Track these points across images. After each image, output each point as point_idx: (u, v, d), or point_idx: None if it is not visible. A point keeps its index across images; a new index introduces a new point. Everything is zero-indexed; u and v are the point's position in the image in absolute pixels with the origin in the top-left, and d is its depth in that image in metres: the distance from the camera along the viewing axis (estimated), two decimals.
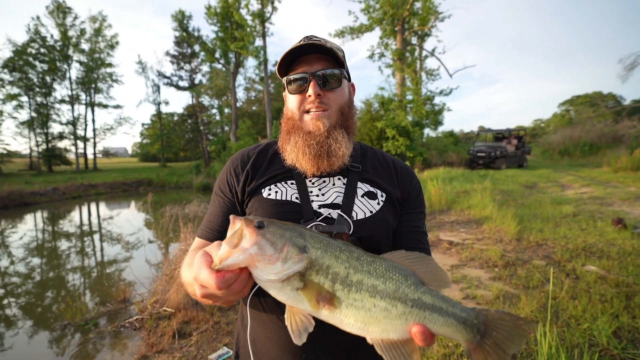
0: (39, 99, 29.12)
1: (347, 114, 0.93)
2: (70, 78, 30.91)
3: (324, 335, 0.84)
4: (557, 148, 22.85)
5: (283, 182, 0.91)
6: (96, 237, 9.49)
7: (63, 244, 8.68)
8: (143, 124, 45.07)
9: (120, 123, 35.50)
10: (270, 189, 0.89)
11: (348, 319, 0.55)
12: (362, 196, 0.88)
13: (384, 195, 0.92)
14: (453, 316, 0.56)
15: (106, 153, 42.75)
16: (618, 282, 3.65)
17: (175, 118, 39.88)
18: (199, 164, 25.98)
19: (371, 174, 0.95)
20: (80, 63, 31.43)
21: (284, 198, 0.87)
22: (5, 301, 4.81)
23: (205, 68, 35.62)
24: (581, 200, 8.27)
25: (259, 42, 22.55)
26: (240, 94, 39.21)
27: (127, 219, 12.02)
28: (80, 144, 32.13)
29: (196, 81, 35.76)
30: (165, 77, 35.41)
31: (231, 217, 0.56)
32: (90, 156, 34.18)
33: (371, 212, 0.87)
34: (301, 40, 0.90)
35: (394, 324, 0.55)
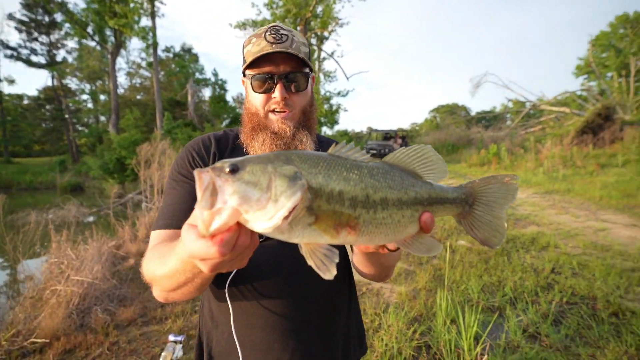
0: None
1: (309, 114, 0.95)
2: None
3: (305, 311, 0.88)
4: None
5: None
6: None
7: None
8: None
9: None
10: None
11: (378, 236, 0.53)
12: None
13: None
14: (448, 201, 0.62)
15: None
16: (479, 252, 4.63)
17: (26, 102, 31.63)
18: (64, 159, 21.37)
19: None
20: None
21: None
22: None
23: (71, 44, 29.41)
24: None
25: (146, 22, 19.80)
26: (122, 79, 33.64)
27: None
28: None
29: (58, 58, 29.13)
30: (9, 47, 27.67)
31: (195, 172, 0.44)
32: None
33: None
34: (267, 31, 0.88)
35: (415, 222, 0.58)
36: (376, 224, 0.52)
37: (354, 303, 1.05)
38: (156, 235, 0.83)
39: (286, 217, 0.44)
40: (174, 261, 0.61)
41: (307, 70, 0.92)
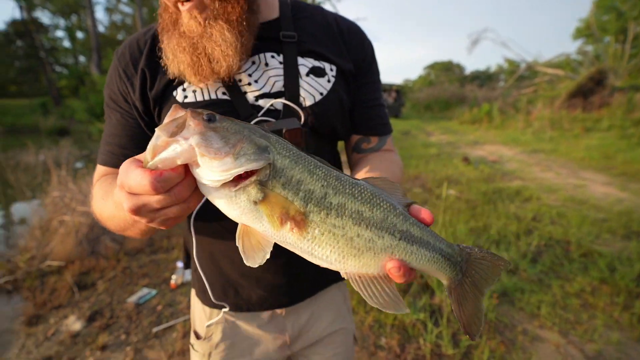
0: None
1: None
2: None
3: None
4: (423, 103, 27.11)
5: None
6: None
7: None
8: None
9: None
10: (185, 89, 0.69)
11: (322, 249, 0.46)
12: (307, 74, 0.71)
13: (334, 68, 0.74)
14: (439, 252, 0.50)
15: None
16: (467, 200, 4.90)
17: None
18: (46, 101, 20.24)
19: (312, 43, 0.74)
20: None
21: (207, 97, 0.68)
22: None
23: None
24: (441, 144, 10.32)
25: None
26: (100, 14, 30.75)
27: None
28: None
29: None
30: None
31: (174, 106, 0.42)
32: None
33: (321, 93, 0.71)
34: None
35: (377, 258, 0.47)
36: (324, 229, 0.46)
37: None
38: (98, 170, 0.76)
39: (235, 182, 0.43)
40: (110, 204, 0.59)
41: None
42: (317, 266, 0.49)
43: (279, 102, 0.68)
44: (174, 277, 2.69)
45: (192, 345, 0.87)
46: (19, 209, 5.24)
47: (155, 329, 2.20)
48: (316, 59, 0.72)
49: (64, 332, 2.21)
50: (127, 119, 0.73)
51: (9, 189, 5.78)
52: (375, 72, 0.84)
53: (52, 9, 28.00)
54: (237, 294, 0.80)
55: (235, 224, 0.47)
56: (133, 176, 0.40)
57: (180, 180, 0.41)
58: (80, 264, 2.90)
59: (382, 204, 0.48)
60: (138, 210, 0.43)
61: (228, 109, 0.67)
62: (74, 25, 29.24)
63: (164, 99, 0.70)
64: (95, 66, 18.71)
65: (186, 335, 2.15)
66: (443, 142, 11.04)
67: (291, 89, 0.68)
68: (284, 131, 0.63)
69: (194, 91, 0.69)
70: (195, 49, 0.64)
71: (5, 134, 15.45)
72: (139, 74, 0.71)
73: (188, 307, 2.41)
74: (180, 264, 2.89)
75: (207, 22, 0.64)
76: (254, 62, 0.70)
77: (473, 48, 24.18)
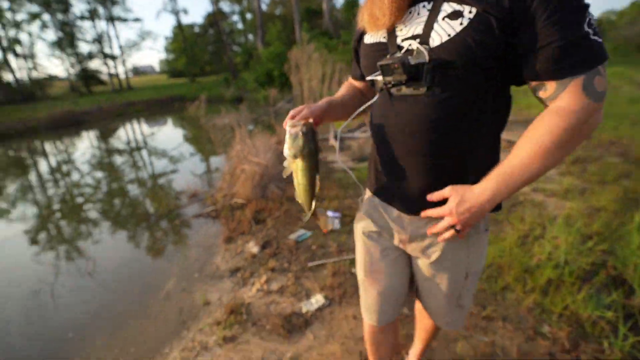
0: (60, 17, 28.29)
1: None
2: None
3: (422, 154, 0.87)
4: (633, 42, 19.42)
5: None
6: (144, 151, 10.08)
7: (117, 159, 9.35)
8: (166, 38, 43.28)
9: (143, 37, 34.33)
10: (369, 35, 0.92)
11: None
12: (443, 18, 0.75)
13: (473, 11, 0.72)
14: None
15: (136, 72, 42.64)
16: None
17: (197, 30, 37.58)
18: (227, 76, 25.35)
19: None
20: None
21: (375, 40, 0.89)
22: (86, 207, 5.40)
23: None
24: None
25: None
26: None
27: (169, 133, 12.50)
28: (111, 63, 32.03)
29: None
30: None
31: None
32: (122, 76, 34.40)
33: (449, 35, 0.74)
34: None
35: None
36: None
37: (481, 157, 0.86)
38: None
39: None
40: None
41: None
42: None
43: (415, 43, 0.80)
44: (327, 220, 3.02)
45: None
46: (216, 160, 6.95)
47: (310, 264, 2.56)
48: (459, 2, 0.74)
49: (247, 252, 2.87)
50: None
51: (209, 144, 7.78)
52: (554, 3, 0.67)
53: None
54: (379, 183, 1.04)
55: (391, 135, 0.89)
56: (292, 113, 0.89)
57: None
58: (256, 203, 3.63)
59: None
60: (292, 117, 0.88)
61: (383, 48, 0.87)
62: (245, 9, 34.53)
63: (361, 40, 0.99)
64: (260, 40, 21.85)
65: (335, 274, 2.41)
66: None
67: (425, 32, 0.78)
68: (406, 63, 0.78)
69: (371, 36, 0.91)
70: (372, 10, 0.84)
71: (206, 103, 20.50)
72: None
73: (337, 250, 2.69)
74: (330, 214, 3.22)
75: None
76: (410, 12, 0.83)
77: None
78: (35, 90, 26.94)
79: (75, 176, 7.55)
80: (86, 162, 8.87)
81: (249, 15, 34.41)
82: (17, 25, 26.30)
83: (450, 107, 0.78)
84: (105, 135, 13.62)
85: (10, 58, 27.73)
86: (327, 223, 3.08)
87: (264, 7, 31.06)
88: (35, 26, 27.09)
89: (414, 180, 0.89)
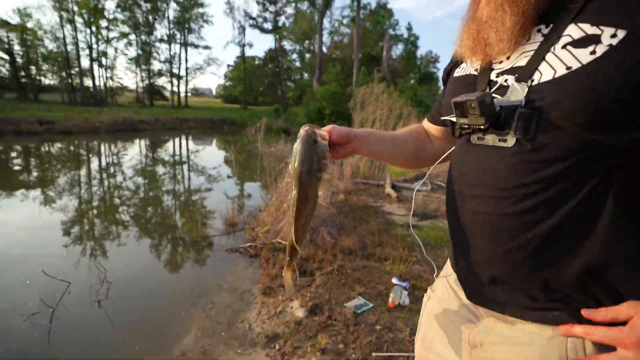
0: (143, 37, 32.08)
1: None
2: (168, 18, 33.10)
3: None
4: None
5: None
6: (191, 165, 10.15)
7: (160, 169, 9.64)
8: (228, 65, 47.06)
9: (208, 63, 38.10)
10: (461, 67, 0.71)
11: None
12: (565, 46, 0.50)
13: (619, 34, 0.46)
14: None
15: (195, 92, 46.27)
16: None
17: (257, 62, 40.47)
18: (278, 108, 26.44)
19: (600, 4, 0.50)
20: (177, 3, 33.12)
21: (465, 73, 0.68)
22: (120, 209, 5.45)
23: (289, 10, 34.69)
24: None
25: None
26: (325, 38, 37.60)
27: (215, 154, 12.69)
28: (175, 82, 35.17)
29: (279, 24, 35.17)
30: (251, 17, 35.52)
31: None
32: (182, 94, 37.39)
33: (569, 68, 0.48)
34: None
35: None
36: None
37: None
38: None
39: None
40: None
41: None
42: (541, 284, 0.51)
43: (511, 78, 0.56)
44: (392, 295, 2.36)
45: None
46: (261, 190, 6.59)
47: (375, 354, 1.88)
48: (595, 24, 0.49)
49: (289, 315, 2.26)
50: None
51: (250, 170, 7.58)
52: None
53: (293, 38, 36.27)
54: (457, 267, 0.72)
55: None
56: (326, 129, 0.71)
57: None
58: (303, 248, 3.05)
59: None
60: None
61: (470, 82, 0.65)
62: (305, 49, 36.82)
63: (451, 73, 0.76)
64: (315, 80, 22.65)
65: None
66: None
67: (530, 63, 0.54)
68: (485, 102, 0.55)
69: (463, 68, 0.70)
70: (479, 33, 0.60)
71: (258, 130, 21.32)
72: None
73: (410, 338, 1.99)
74: (396, 280, 2.55)
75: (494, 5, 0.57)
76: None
77: None
78: (107, 96, 30.09)
79: (119, 178, 7.83)
80: (131, 167, 9.15)
81: (307, 55, 36.49)
82: (108, 41, 30.27)
83: (546, 172, 0.51)
84: (155, 145, 14.24)
85: (95, 67, 31.62)
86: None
87: (324, 49, 32.89)
88: (121, 43, 30.94)
89: (485, 266, 0.62)
